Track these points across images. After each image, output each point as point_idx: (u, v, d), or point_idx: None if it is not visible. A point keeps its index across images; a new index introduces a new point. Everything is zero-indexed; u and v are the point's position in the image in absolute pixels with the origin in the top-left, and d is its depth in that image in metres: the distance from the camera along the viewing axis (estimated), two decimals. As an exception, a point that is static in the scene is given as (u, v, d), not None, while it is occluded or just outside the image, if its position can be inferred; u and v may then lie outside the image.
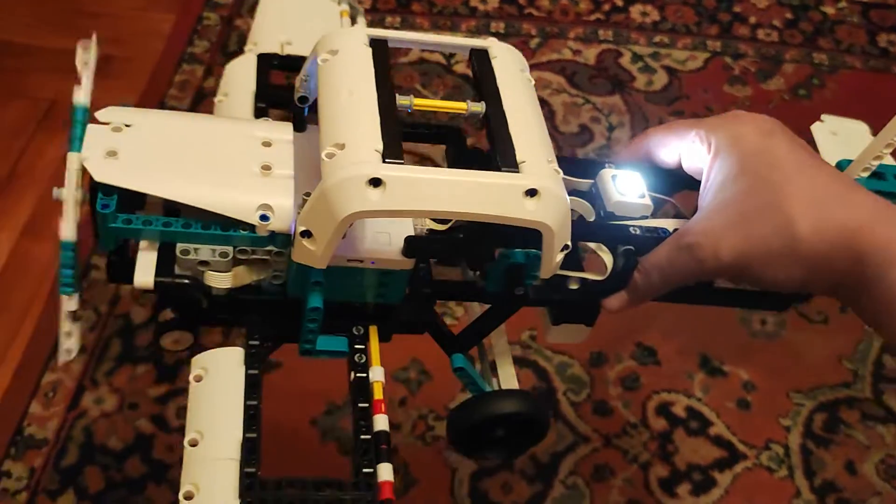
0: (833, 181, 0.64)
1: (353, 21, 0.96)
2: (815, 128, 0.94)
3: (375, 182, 0.56)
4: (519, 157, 0.61)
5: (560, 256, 0.64)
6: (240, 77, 0.86)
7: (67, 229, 0.61)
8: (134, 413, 1.41)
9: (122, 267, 0.65)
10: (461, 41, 0.70)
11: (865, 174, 0.81)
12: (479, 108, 0.65)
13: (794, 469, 1.40)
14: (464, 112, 0.65)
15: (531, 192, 0.59)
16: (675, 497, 1.36)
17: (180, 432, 1.40)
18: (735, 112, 0.70)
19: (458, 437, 0.75)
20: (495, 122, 0.64)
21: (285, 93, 0.74)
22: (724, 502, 1.36)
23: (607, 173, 0.73)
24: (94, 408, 1.40)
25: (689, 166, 0.72)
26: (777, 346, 1.53)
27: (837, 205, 0.62)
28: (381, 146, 0.58)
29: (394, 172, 0.56)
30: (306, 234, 0.59)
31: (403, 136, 0.61)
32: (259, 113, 0.81)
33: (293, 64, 0.88)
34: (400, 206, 0.57)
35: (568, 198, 0.62)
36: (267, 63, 0.87)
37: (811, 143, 0.83)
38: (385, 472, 0.61)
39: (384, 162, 0.57)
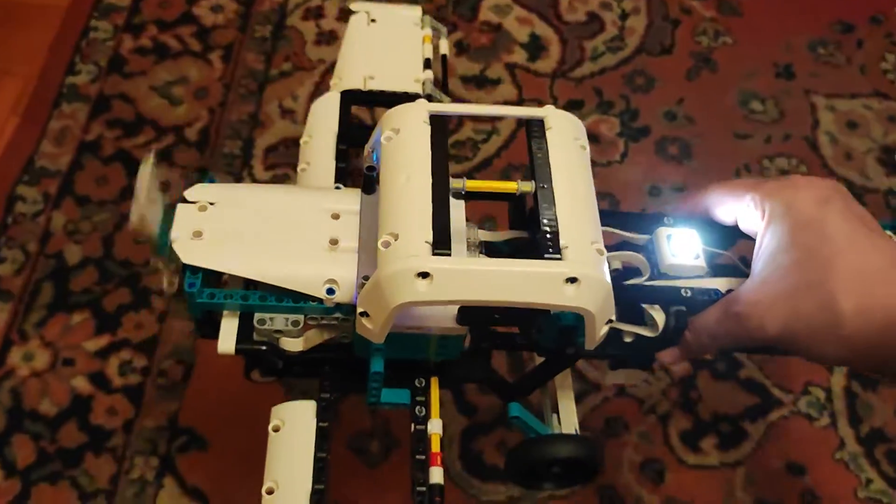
0: (884, 256, 0.64)
1: (436, 46, 1.03)
2: None
3: (424, 275, 0.63)
4: (563, 242, 0.67)
5: (605, 329, 0.69)
6: (323, 117, 0.95)
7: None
8: (69, 371, 1.23)
9: (210, 327, 0.78)
10: (518, 112, 0.77)
11: None
12: (529, 187, 0.71)
13: (838, 416, 1.22)
14: (514, 192, 0.73)
15: (572, 280, 0.64)
16: (699, 452, 1.19)
17: (124, 393, 1.23)
18: (793, 177, 0.71)
19: (514, 473, 0.83)
20: (542, 202, 0.69)
21: (366, 132, 0.80)
22: (757, 456, 1.19)
23: (663, 232, 0.78)
24: (22, 366, 1.22)
25: (746, 228, 0.74)
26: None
27: (885, 283, 0.63)
28: (430, 237, 0.65)
29: (440, 265, 0.63)
30: (364, 314, 0.68)
31: (468, 197, 0.75)
32: (340, 155, 0.91)
33: (375, 99, 0.97)
34: (446, 297, 0.64)
35: (609, 281, 0.67)
36: (350, 101, 0.96)
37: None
38: None
39: (433, 254, 0.64)
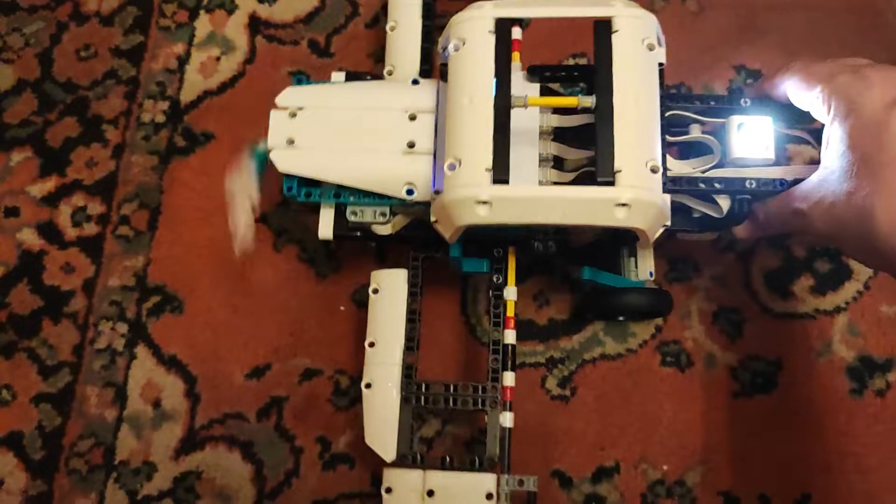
0: None
1: None
2: None
3: (484, 202, 0.74)
4: (617, 165, 0.73)
5: (660, 231, 0.78)
6: (408, 5, 0.97)
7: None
8: (13, 222, 1.07)
9: (314, 209, 0.89)
10: (585, 11, 0.79)
11: None
12: (590, 102, 0.76)
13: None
14: (575, 106, 0.76)
15: (623, 204, 0.73)
16: (788, 298, 0.99)
17: (80, 246, 1.06)
18: (867, 70, 0.70)
19: (589, 312, 0.98)
20: (600, 123, 0.75)
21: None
22: (864, 301, 0.98)
23: (735, 121, 0.82)
24: (-42, 218, 1.07)
25: (818, 118, 0.75)
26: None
27: None
28: (490, 163, 0.74)
29: (498, 193, 0.74)
30: (436, 221, 0.79)
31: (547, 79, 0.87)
32: (425, 36, 0.96)
33: None
34: (503, 220, 0.75)
35: (661, 199, 0.75)
36: None
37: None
38: (508, 378, 0.84)
39: (493, 183, 0.74)
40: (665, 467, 0.95)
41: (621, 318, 0.99)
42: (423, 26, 0.96)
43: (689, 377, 0.97)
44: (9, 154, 1.09)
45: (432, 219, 0.80)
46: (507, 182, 0.74)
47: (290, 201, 1.04)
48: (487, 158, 0.74)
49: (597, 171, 0.73)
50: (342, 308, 1.01)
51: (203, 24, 1.14)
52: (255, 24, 1.13)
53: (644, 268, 0.92)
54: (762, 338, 0.98)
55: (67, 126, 1.10)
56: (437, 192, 0.79)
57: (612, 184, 0.73)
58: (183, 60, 1.12)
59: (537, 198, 0.74)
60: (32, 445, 0.98)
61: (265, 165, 0.87)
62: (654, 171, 0.74)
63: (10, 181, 1.08)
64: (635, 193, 0.72)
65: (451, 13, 0.84)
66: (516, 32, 0.84)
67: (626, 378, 0.98)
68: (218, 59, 1.12)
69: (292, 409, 0.98)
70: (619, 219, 0.73)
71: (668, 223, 0.78)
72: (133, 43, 1.13)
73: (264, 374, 1.00)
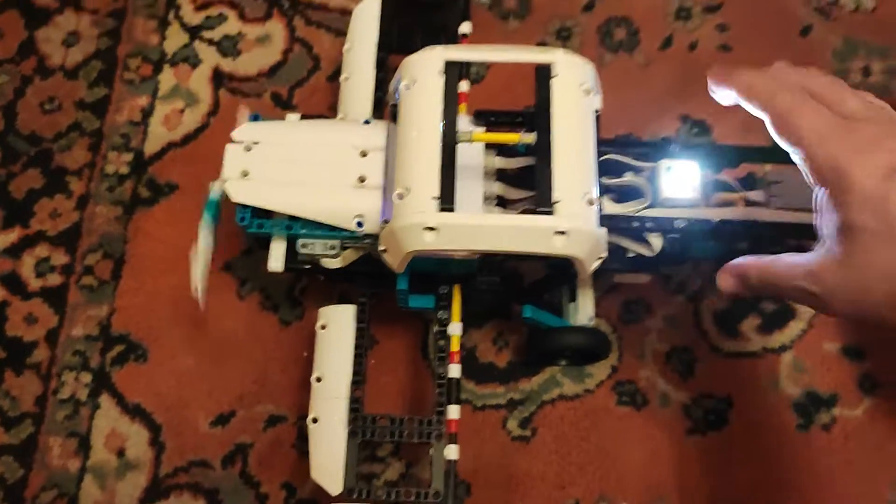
0: None
1: None
2: None
3: (430, 228, 0.79)
4: (556, 196, 0.80)
5: (597, 264, 0.83)
6: (363, 26, 1.04)
7: (215, 191, 0.91)
8: (-25, 273, 1.09)
9: (263, 242, 0.92)
10: (528, 57, 0.87)
11: None
12: (530, 138, 0.82)
13: (907, 286, 1.07)
14: (516, 143, 0.83)
15: (561, 232, 0.78)
16: (737, 337, 1.05)
17: (44, 297, 1.08)
18: (854, 125, 0.67)
19: (531, 355, 1.03)
20: (540, 157, 0.81)
21: (405, 39, 1.01)
22: (807, 340, 1.04)
23: (664, 164, 0.88)
24: (-81, 270, 1.08)
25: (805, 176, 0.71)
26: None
27: None
28: (438, 192, 0.80)
29: (444, 220, 0.79)
30: (384, 250, 0.84)
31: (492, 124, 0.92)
32: (379, 63, 1.01)
33: (414, 2, 1.05)
34: (449, 246, 0.80)
35: (597, 229, 0.81)
36: (389, 5, 1.04)
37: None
38: (453, 411, 0.86)
39: (440, 210, 0.79)
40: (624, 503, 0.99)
41: (562, 363, 1.03)
42: (376, 78, 1.01)
43: (645, 416, 1.02)
44: (-29, 205, 1.11)
45: (380, 247, 0.84)
46: (453, 210, 0.79)
47: (253, 250, 1.07)
48: (435, 187, 0.79)
49: (536, 201, 0.79)
50: (305, 354, 1.04)
51: (167, 78, 1.17)
52: (219, 78, 1.17)
53: (585, 311, 0.96)
54: (713, 376, 1.03)
55: (31, 178, 1.12)
56: (385, 222, 0.83)
57: (550, 213, 0.79)
58: (147, 113, 1.15)
59: (481, 225, 0.79)
60: (-7, 498, 0.99)
61: (219, 214, 0.91)
62: (590, 203, 0.80)
63: (-28, 232, 1.10)
64: (572, 223, 0.78)
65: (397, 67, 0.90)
66: (464, 86, 0.89)
67: (584, 418, 1.02)
68: (182, 111, 1.15)
69: (257, 456, 1.01)
70: (558, 247, 0.78)
71: (605, 255, 0.83)
72: (97, 96, 1.16)
73: (229, 421, 1.02)
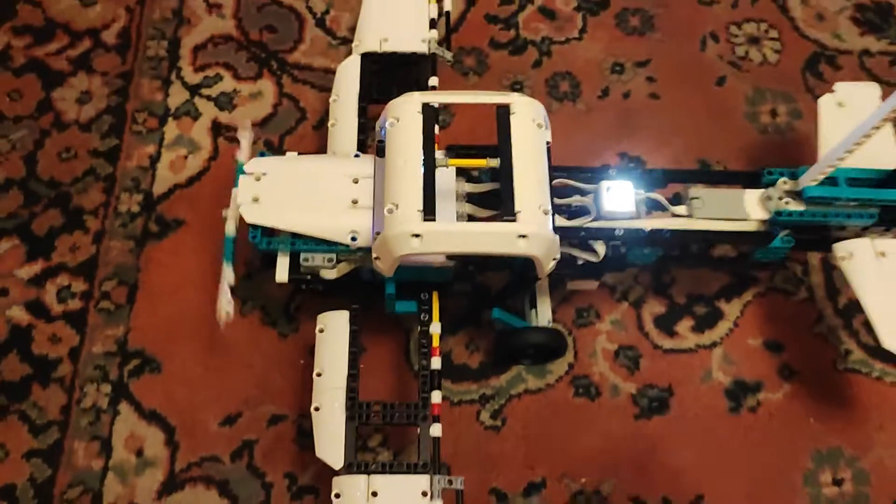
0: None
1: (440, 6, 1.28)
2: (823, 101, 1.19)
3: (416, 235, 0.96)
4: (517, 207, 0.98)
5: (552, 265, 1.03)
6: (347, 79, 1.24)
7: (230, 229, 1.07)
8: (2, 301, 1.22)
9: (271, 259, 1.09)
10: (491, 98, 1.07)
11: (818, 181, 1.09)
12: (495, 163, 1.02)
13: (815, 289, 1.26)
14: (484, 167, 1.03)
15: (523, 236, 0.97)
16: (675, 336, 1.23)
17: (66, 319, 1.22)
18: None
19: (499, 354, 1.20)
20: (503, 176, 1.01)
21: (383, 90, 1.20)
22: (734, 336, 1.23)
23: (604, 185, 1.10)
24: (-49, 300, 1.21)
25: None
26: (789, 143, 1.37)
27: None
28: (421, 206, 0.97)
29: (427, 227, 0.97)
30: (377, 258, 1.01)
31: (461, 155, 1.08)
32: (362, 111, 1.21)
33: (390, 59, 1.25)
34: (433, 249, 0.98)
35: (552, 234, 1.00)
36: (368, 63, 1.25)
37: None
38: (436, 396, 1.03)
39: (424, 220, 0.97)
40: (583, 480, 1.14)
41: (526, 362, 1.20)
42: (359, 123, 1.19)
43: (599, 405, 1.18)
44: (-3, 243, 1.26)
45: (374, 256, 1.01)
46: (434, 219, 0.97)
47: (252, 275, 1.23)
48: (419, 202, 0.98)
49: (502, 211, 0.97)
50: (301, 362, 1.19)
51: (171, 129, 1.34)
52: (217, 128, 1.35)
53: (544, 316, 1.15)
54: (655, 370, 1.21)
55: (51, 217, 1.27)
56: (377, 234, 1.00)
57: (514, 220, 0.97)
58: (154, 159, 1.32)
59: (458, 231, 0.99)
60: (25, 496, 1.11)
61: (234, 250, 1.07)
62: (545, 213, 0.99)
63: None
64: (532, 228, 0.97)
65: (377, 115, 1.09)
66: (434, 129, 1.06)
67: (547, 408, 1.18)
68: (185, 157, 1.32)
69: (262, 450, 1.14)
70: (521, 248, 0.97)
71: (558, 257, 1.02)
72: (109, 145, 1.33)
73: (236, 421, 1.16)
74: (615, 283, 1.25)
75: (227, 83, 1.38)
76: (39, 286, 1.23)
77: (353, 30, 1.31)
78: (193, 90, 1.37)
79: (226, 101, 1.37)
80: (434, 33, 1.25)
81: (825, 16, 1.46)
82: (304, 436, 1.15)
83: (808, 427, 1.17)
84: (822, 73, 1.40)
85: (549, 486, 1.13)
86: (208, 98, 1.37)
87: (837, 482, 1.14)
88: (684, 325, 1.24)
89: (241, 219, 1.07)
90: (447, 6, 1.29)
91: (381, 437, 1.15)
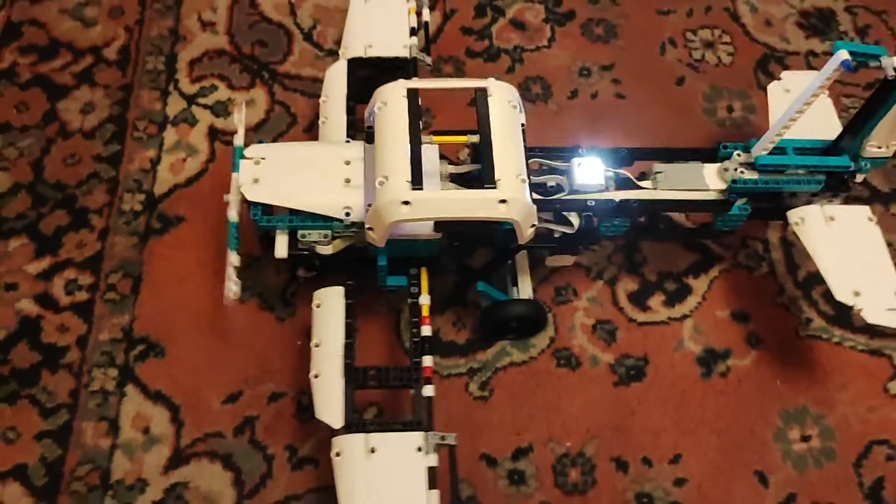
0: None
1: (419, 13, 1.37)
2: (772, 87, 1.29)
3: (406, 202, 1.04)
4: (497, 176, 1.06)
5: (531, 231, 1.09)
6: (335, 82, 1.33)
7: (233, 215, 1.13)
8: (12, 295, 1.27)
9: (269, 241, 1.16)
10: (470, 83, 1.16)
11: (768, 150, 1.18)
12: (475, 139, 1.11)
13: (776, 264, 1.34)
14: (466, 143, 1.14)
15: (503, 201, 1.05)
16: (647, 310, 1.30)
17: (73, 310, 1.27)
18: None
19: (484, 328, 1.26)
20: (483, 149, 1.09)
21: (369, 92, 1.19)
22: (702, 309, 1.30)
23: (575, 161, 1.20)
24: (-38, 295, 1.27)
25: None
26: (745, 135, 1.47)
27: None
28: (409, 177, 1.06)
29: (416, 195, 1.05)
30: (370, 228, 1.09)
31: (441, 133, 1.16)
32: (349, 109, 1.30)
33: (374, 63, 1.33)
34: (421, 215, 1.06)
35: (529, 200, 1.08)
36: (354, 67, 1.33)
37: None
38: (427, 360, 1.10)
39: (412, 189, 1.05)
40: (568, 443, 1.20)
41: (511, 337, 1.26)
42: (347, 121, 1.28)
43: (579, 374, 1.25)
44: (6, 242, 1.31)
45: (366, 226, 1.07)
46: (422, 188, 1.05)
47: (251, 264, 1.29)
48: (407, 174, 1.06)
49: (483, 179, 1.05)
50: (299, 343, 1.25)
51: (170, 135, 1.42)
52: (214, 133, 1.42)
53: (525, 291, 1.22)
54: (631, 341, 1.28)
55: (58, 217, 1.33)
56: (369, 206, 1.07)
57: (494, 187, 1.04)
58: (155, 162, 1.39)
59: (443, 198, 1.07)
60: (36, 474, 1.15)
61: (237, 235, 1.13)
62: (523, 181, 1.07)
63: (8, 263, 1.30)
64: (511, 193, 1.05)
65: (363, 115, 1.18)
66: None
67: (531, 379, 1.24)
68: (184, 160, 1.39)
69: (263, 426, 1.19)
70: (502, 212, 1.04)
71: (536, 223, 1.08)
72: (112, 151, 1.40)
73: (237, 399, 1.21)
74: (590, 264, 1.33)
75: (222, 92, 1.46)
76: (48, 280, 1.29)
77: (338, 42, 1.40)
78: (190, 99, 1.45)
79: (221, 109, 1.44)
80: (414, 40, 1.34)
81: (773, 22, 1.58)
82: (303, 410, 1.20)
83: (776, 389, 1.25)
84: (773, 73, 1.50)
85: (536, 450, 1.19)
86: (204, 106, 1.45)
87: (805, 438, 1.21)
88: (656, 300, 1.31)
89: (239, 208, 1.13)
90: (425, 17, 1.39)
91: (377, 410, 1.21)
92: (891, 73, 1.05)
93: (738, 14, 1.58)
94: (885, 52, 1.07)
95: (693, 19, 1.57)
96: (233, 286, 1.12)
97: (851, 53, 1.04)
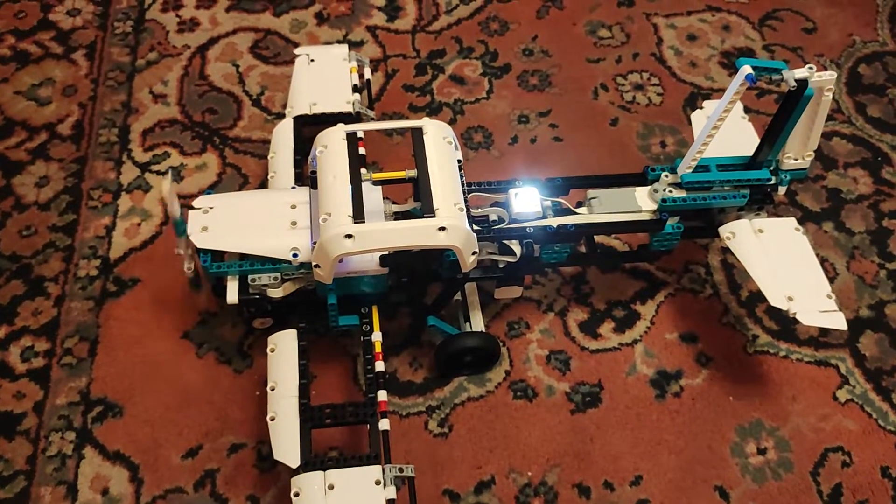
0: None
1: (361, 73, 1.43)
2: (695, 116, 1.34)
3: (349, 236, 1.03)
4: (435, 206, 1.06)
5: (473, 258, 1.09)
6: (282, 138, 1.34)
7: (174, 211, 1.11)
8: (-32, 365, 1.23)
9: (221, 289, 1.15)
10: (406, 124, 1.17)
11: (692, 167, 1.18)
12: (413, 173, 1.11)
13: (718, 286, 1.33)
14: (404, 177, 1.12)
15: (442, 228, 1.04)
16: (599, 338, 1.28)
17: (30, 377, 1.22)
18: None
19: (440, 364, 1.23)
20: (422, 182, 1.09)
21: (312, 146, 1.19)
22: (651, 333, 1.29)
23: (512, 192, 1.20)
24: (-82, 369, 1.22)
25: None
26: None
27: None
28: (351, 212, 1.04)
29: (359, 228, 1.04)
30: (317, 265, 1.08)
31: (375, 183, 1.14)
32: (297, 164, 1.30)
33: (319, 119, 1.34)
34: (365, 247, 1.05)
35: (468, 227, 1.07)
36: (301, 123, 1.35)
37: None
38: (382, 395, 1.09)
39: (354, 223, 1.04)
40: (529, 473, 1.16)
41: (467, 372, 1.23)
42: (295, 174, 1.28)
43: (536, 404, 1.22)
44: (-38, 313, 1.27)
45: (313, 263, 1.06)
46: (364, 221, 1.03)
47: (206, 319, 1.26)
48: (349, 208, 1.04)
49: (422, 209, 1.04)
50: (257, 393, 1.21)
51: (125, 202, 1.40)
52: (167, 197, 1.40)
53: (477, 325, 1.21)
54: (585, 369, 1.25)
55: (14, 287, 1.30)
56: (315, 244, 1.06)
57: (433, 216, 1.04)
58: (110, 229, 1.36)
59: (385, 229, 1.04)
60: (-7, 544, 1.09)
61: (185, 228, 1.12)
62: (461, 209, 1.07)
63: (-36, 334, 1.25)
64: (450, 221, 1.04)
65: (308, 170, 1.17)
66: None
67: (489, 412, 1.21)
68: (139, 224, 1.37)
69: (224, 478, 1.15)
70: (441, 239, 1.03)
71: (477, 250, 1.07)
72: (67, 221, 1.37)
73: (197, 453, 1.16)
74: (540, 297, 1.31)
75: (175, 159, 1.45)
76: (3, 349, 1.24)
77: (286, 105, 1.40)
78: (143, 167, 1.44)
79: (174, 174, 1.43)
80: (357, 96, 1.36)
81: (697, 63, 1.61)
82: (264, 459, 1.16)
83: (729, 405, 1.23)
84: (702, 108, 1.53)
85: (498, 481, 1.15)
86: (157, 173, 1.43)
87: (762, 451, 1.19)
88: (606, 328, 1.29)
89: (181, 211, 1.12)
90: (367, 75, 1.40)
91: (338, 454, 1.17)
92: (792, 84, 1.07)
93: (664, 58, 1.62)
94: (786, 65, 1.09)
95: (622, 65, 1.60)
96: (185, 262, 1.16)
97: (755, 68, 1.06)
